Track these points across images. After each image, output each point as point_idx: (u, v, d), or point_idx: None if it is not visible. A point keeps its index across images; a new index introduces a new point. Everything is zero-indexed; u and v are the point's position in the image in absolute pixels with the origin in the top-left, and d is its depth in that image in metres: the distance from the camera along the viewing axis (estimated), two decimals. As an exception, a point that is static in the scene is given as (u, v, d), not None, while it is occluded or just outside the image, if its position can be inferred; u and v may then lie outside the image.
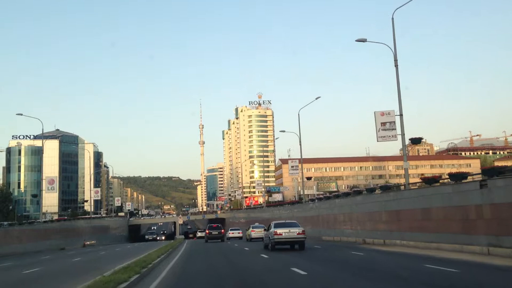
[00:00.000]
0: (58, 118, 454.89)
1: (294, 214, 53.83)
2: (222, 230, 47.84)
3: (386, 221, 28.63)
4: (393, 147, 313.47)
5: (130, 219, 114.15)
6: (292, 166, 50.18)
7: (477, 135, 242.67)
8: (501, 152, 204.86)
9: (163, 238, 79.72)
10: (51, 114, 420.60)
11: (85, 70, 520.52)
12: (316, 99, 48.45)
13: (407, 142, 26.93)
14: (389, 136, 27.12)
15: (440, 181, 23.65)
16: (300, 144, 49.89)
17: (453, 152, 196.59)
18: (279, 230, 25.59)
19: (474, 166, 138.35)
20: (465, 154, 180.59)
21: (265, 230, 31.61)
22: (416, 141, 26.53)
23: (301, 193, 52.15)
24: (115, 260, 21.82)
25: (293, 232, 25.73)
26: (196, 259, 21.67)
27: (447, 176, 22.19)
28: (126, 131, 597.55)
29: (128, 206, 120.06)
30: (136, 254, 25.33)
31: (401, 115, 27.11)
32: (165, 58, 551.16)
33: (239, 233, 50.96)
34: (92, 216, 78.87)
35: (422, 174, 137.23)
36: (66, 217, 77.43)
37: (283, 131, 50.49)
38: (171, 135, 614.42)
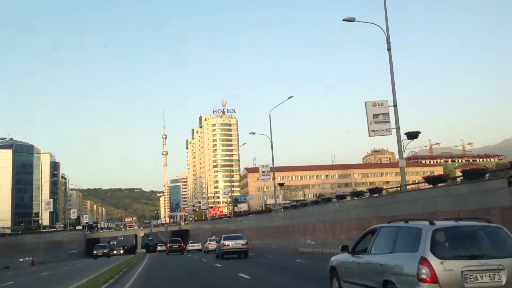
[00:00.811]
0: (12, 126, 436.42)
1: (264, 224, 49.54)
2: (182, 244, 51.87)
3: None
4: (359, 155, 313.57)
5: (88, 232, 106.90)
6: (264, 172, 45.94)
7: (436, 144, 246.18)
8: (460, 160, 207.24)
9: (121, 252, 72.08)
10: (4, 122, 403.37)
11: (43, 77, 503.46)
12: (288, 98, 44.76)
13: (402, 136, 23.00)
14: (382, 130, 23.22)
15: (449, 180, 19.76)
16: (272, 147, 45.79)
17: (414, 160, 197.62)
18: (227, 242, 30.29)
19: (437, 173, 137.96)
20: (425, 162, 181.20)
21: (217, 242, 36.17)
22: (412, 135, 22.71)
23: (274, 200, 47.99)
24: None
25: (238, 243, 30.42)
26: (159, 272, 22.04)
27: (460, 174, 18.27)
28: (85, 141, 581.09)
29: (86, 219, 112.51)
30: (81, 275, 20.33)
31: (395, 105, 23.27)
32: (127, 66, 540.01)
33: (198, 245, 53.26)
34: (43, 230, 71.88)
35: (387, 182, 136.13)
36: (10, 232, 70.08)
37: (253, 133, 46.45)
38: (133, 146, 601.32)
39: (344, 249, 9.24)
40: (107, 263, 31.60)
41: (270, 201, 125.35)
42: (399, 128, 23.01)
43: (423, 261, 6.45)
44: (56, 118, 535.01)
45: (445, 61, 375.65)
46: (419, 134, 22.85)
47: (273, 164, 45.83)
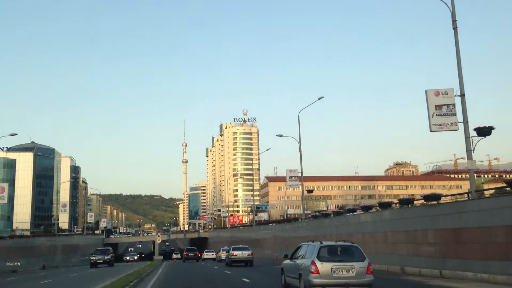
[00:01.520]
0: (34, 130, 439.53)
1: (289, 233, 45.43)
2: (197, 252, 56.47)
3: (435, 244, 20.52)
4: (382, 167, 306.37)
5: (106, 237, 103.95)
6: (291, 177, 41.87)
7: (461, 158, 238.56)
8: (485, 176, 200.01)
9: (135, 258, 66.96)
10: (27, 126, 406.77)
11: (66, 81, 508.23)
12: (319, 99, 40.61)
13: (471, 132, 18.84)
14: (447, 124, 19.11)
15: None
16: (300, 151, 41.75)
17: (438, 174, 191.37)
18: (235, 252, 34.78)
19: (465, 188, 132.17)
20: (449, 176, 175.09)
21: (227, 252, 39.63)
22: (484, 132, 18.53)
23: (302, 209, 43.84)
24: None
25: (245, 254, 34.64)
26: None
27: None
28: (108, 148, 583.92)
29: (104, 223, 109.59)
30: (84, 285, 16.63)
31: (462, 95, 19.18)
32: (148, 73, 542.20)
33: (212, 254, 55.31)
34: (58, 233, 68.82)
35: (412, 195, 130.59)
36: (22, 234, 67.06)
37: (281, 135, 42.50)
38: (153, 153, 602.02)
39: (286, 257, 15.81)
40: (118, 272, 27.90)
41: (291, 211, 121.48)
42: (467, 122, 18.90)
43: (313, 262, 12.94)
44: (78, 125, 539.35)
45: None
46: (492, 130, 18.64)
47: (301, 169, 41.87)
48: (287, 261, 15.44)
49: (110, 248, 49.45)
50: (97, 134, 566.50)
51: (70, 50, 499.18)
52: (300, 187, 42.84)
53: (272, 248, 50.61)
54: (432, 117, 19.03)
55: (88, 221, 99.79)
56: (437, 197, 21.14)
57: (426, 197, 21.65)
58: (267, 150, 64.55)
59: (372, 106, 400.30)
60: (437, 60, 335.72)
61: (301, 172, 42.08)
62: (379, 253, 26.10)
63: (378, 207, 28.68)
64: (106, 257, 45.77)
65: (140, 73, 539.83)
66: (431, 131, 19.09)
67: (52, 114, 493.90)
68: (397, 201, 25.98)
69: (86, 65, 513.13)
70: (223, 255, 44.36)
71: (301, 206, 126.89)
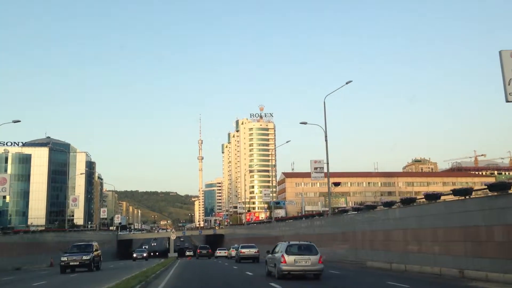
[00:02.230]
0: (50, 126, 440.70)
1: (315, 230, 41.70)
2: (210, 250, 62.18)
3: (503, 242, 16.66)
4: (400, 164, 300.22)
5: (120, 233, 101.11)
6: (316, 168, 38.07)
7: (482, 155, 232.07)
8: (506, 173, 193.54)
9: (144, 255, 61.88)
10: (42, 120, 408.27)
11: (84, 81, 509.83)
12: (347, 83, 36.79)
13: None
14: (527, 92, 15.14)
15: None
16: (326, 140, 37.99)
17: (457, 171, 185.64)
18: (243, 250, 39.17)
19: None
20: (474, 173, 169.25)
21: (236, 250, 44.60)
22: None
23: (328, 201, 40.05)
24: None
25: (252, 251, 38.72)
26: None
27: None
28: (124, 146, 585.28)
29: (118, 219, 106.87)
30: None
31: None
32: (165, 71, 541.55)
33: (225, 252, 57.48)
34: (69, 229, 65.80)
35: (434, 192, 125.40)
36: (28, 228, 63.94)
37: (305, 123, 38.52)
38: (169, 150, 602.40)
39: (268, 252, 21.81)
40: (119, 274, 24.34)
41: (309, 208, 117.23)
42: (553, 89, 14.97)
43: (282, 255, 18.75)
44: (95, 122, 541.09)
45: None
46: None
47: (327, 160, 38.05)
48: (269, 255, 21.25)
49: (93, 243, 31.62)
50: (114, 132, 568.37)
51: (87, 47, 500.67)
52: (326, 179, 38.94)
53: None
54: (509, 84, 15.11)
55: (102, 217, 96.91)
56: (506, 186, 17.22)
57: (492, 186, 17.74)
58: (286, 142, 61.19)
59: (391, 102, 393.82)
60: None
61: (327, 163, 38.32)
62: (425, 252, 22.25)
63: (400, 204, 25.64)
64: (85, 257, 29.42)
65: (156, 70, 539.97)
66: (507, 101, 15.17)
67: (68, 111, 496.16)
68: (422, 197, 22.31)
69: (103, 62, 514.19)
70: (233, 252, 48.24)
71: (318, 203, 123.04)
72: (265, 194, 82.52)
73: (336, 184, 38.56)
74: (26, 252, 43.27)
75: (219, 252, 58.61)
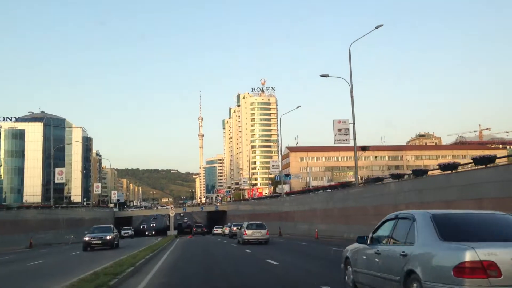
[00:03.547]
0: (47, 105, 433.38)
1: (336, 204, 35.16)
2: (204, 228, 69.70)
3: None
4: (404, 139, 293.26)
5: (117, 210, 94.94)
6: (340, 130, 31.19)
7: (487, 129, 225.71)
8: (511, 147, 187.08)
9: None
10: (39, 99, 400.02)
11: (82, 59, 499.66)
12: (376, 28, 29.93)
13: None
14: None
15: None
16: (352, 95, 31.17)
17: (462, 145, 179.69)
18: (234, 228, 40.72)
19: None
20: (486, 145, 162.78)
21: (228, 228, 49.34)
22: None
23: (355, 170, 33.34)
24: None
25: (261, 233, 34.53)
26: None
27: None
28: (125, 124, 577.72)
29: (114, 196, 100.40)
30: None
31: None
32: (163, 47, 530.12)
33: (221, 230, 59.60)
34: (54, 205, 59.27)
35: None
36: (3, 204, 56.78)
37: (326, 75, 31.43)
38: (170, 128, 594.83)
39: (237, 228, 37.57)
40: (105, 256, 17.92)
41: (314, 183, 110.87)
42: None
43: (244, 231, 30.45)
44: (94, 100, 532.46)
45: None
46: None
47: (353, 118, 31.20)
48: (237, 231, 32.97)
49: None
50: (114, 110, 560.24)
51: (85, 24, 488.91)
52: (351, 143, 32.10)
53: (310, 222, 40.45)
54: None
55: (96, 192, 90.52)
56: None
57: None
58: (297, 107, 53.87)
59: (393, 76, 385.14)
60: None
61: (353, 124, 31.47)
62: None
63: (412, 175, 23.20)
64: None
65: (155, 47, 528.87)
66: None
67: (66, 88, 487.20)
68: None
69: (101, 39, 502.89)
70: (227, 230, 50.82)
71: (324, 178, 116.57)
72: (273, 166, 75.95)
73: (364, 149, 30.96)
74: (7, 232, 36.78)
75: (216, 230, 62.35)
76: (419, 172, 23.29)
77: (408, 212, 6.47)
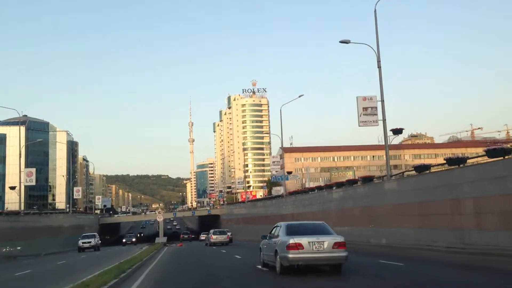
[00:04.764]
0: (33, 110, 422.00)
1: (357, 202, 28.43)
2: (191, 235, 73.37)
3: None
4: (397, 139, 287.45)
5: (101, 217, 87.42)
6: (366, 109, 24.48)
7: (479, 128, 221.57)
8: (504, 146, 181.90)
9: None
10: (22, 103, 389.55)
11: (67, 61, 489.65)
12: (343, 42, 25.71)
13: None
14: None
15: None
16: (379, 66, 24.54)
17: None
18: (214, 236, 40.43)
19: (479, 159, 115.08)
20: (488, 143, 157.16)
21: (207, 234, 46.82)
22: None
23: (386, 160, 26.70)
24: None
25: (223, 236, 40.64)
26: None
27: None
28: (114, 129, 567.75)
29: (99, 201, 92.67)
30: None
31: None
32: (153, 51, 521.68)
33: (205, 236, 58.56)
34: (23, 211, 51.81)
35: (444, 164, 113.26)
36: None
37: (347, 42, 24.59)
38: (160, 133, 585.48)
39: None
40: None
41: (311, 184, 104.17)
42: None
43: (211, 236, 40.76)
44: (82, 106, 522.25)
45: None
46: None
47: (381, 95, 24.57)
48: (205, 236, 46.02)
49: (95, 234, 35.29)
50: (104, 116, 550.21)
51: (73, 26, 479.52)
52: (381, 124, 25.32)
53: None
54: None
55: (76, 197, 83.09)
56: None
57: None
58: (299, 96, 47.19)
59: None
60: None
61: (382, 101, 24.78)
62: None
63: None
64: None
65: (144, 50, 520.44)
66: None
67: (53, 94, 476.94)
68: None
69: (88, 40, 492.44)
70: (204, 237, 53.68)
71: (320, 179, 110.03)
72: (273, 162, 69.12)
73: (396, 132, 24.02)
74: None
75: (203, 236, 59.74)
76: (496, 153, 16.83)
77: (279, 223, 13.57)
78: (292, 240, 11.65)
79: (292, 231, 12.33)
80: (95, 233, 48.72)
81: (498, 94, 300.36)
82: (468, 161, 19.09)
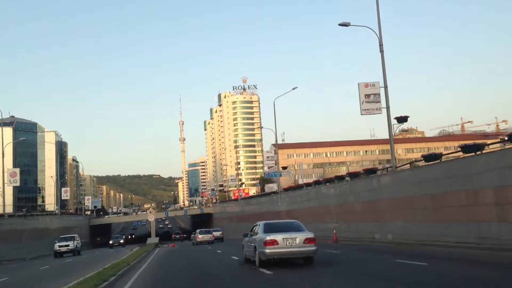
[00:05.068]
0: (21, 111, 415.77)
1: (360, 196, 26.71)
2: (182, 235, 73.31)
3: None
4: (400, 128, 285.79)
5: (91, 218, 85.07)
6: (368, 96, 22.49)
7: (469, 122, 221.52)
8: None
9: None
10: (9, 104, 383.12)
11: (55, 62, 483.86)
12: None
13: None
14: None
15: None
16: (382, 49, 22.83)
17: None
18: (200, 235, 42.19)
19: (492, 147, 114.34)
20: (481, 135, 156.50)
21: (194, 234, 47.22)
22: None
23: (390, 147, 25.02)
24: None
25: (208, 236, 42.58)
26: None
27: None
28: (105, 130, 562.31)
29: (88, 202, 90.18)
30: None
31: None
32: (142, 50, 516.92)
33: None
34: (4, 213, 49.55)
35: (411, 163, 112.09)
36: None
37: (346, 24, 22.76)
38: (151, 133, 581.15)
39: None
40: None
41: (305, 180, 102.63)
42: None
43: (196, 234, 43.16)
44: (73, 107, 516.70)
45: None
46: None
47: (385, 81, 22.88)
48: (193, 235, 45.67)
49: (75, 235, 32.97)
50: (94, 117, 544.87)
51: (61, 24, 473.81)
52: (384, 111, 23.60)
53: (321, 222, 31.98)
54: None
55: (64, 198, 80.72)
56: None
57: None
58: (293, 89, 45.47)
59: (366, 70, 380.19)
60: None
61: (385, 87, 23.07)
62: None
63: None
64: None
65: (133, 49, 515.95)
66: None
67: (40, 93, 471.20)
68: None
69: (76, 40, 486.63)
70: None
71: (313, 175, 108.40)
72: (267, 157, 67.42)
73: (401, 120, 22.34)
74: None
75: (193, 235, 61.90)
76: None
77: (258, 222, 14.99)
78: (269, 237, 13.16)
79: (269, 229, 13.86)
80: (75, 235, 42.35)
81: (488, 88, 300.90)
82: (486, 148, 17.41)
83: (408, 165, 24.00)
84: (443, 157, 19.97)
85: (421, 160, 20.91)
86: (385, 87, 22.92)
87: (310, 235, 13.43)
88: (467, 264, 12.67)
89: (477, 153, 17.10)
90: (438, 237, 18.13)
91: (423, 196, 19.67)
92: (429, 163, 19.79)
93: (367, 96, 22.92)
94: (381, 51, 22.85)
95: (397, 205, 21.84)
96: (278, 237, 12.98)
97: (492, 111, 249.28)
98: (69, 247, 39.09)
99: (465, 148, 17.38)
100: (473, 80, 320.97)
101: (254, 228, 14.91)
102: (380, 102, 23.08)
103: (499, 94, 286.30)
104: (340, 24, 23.11)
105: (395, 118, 23.31)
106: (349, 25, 23.26)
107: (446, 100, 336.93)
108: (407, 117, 23.20)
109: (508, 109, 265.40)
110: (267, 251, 12.98)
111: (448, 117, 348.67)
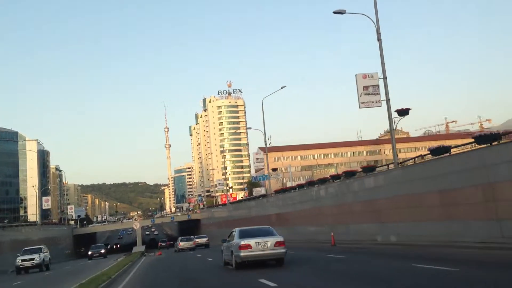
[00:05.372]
0: (1, 117, 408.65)
1: (359, 196, 25.07)
2: (168, 242, 72.02)
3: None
4: (373, 136, 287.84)
5: (75, 228, 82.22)
6: (367, 88, 20.84)
7: (453, 121, 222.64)
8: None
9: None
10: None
11: (36, 68, 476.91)
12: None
13: None
14: None
15: None
16: (380, 38, 21.25)
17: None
18: (181, 243, 44.44)
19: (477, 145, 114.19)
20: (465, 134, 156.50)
21: (176, 242, 48.75)
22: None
23: (391, 140, 23.36)
24: None
25: (189, 243, 44.59)
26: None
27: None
28: (89, 138, 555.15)
29: (71, 211, 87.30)
30: None
31: None
32: (124, 56, 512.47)
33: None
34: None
35: (423, 157, 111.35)
36: None
37: (341, 12, 20.94)
38: (136, 140, 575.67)
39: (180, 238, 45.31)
40: None
41: (294, 183, 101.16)
42: None
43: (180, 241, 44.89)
44: (55, 115, 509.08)
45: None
46: None
47: (383, 71, 21.34)
48: (174, 243, 48.09)
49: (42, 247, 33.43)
50: (77, 125, 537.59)
51: (42, 29, 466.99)
52: (384, 104, 22.01)
53: (315, 225, 30.27)
54: None
55: (45, 207, 77.86)
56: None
57: None
58: (281, 88, 43.89)
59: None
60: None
61: (384, 78, 21.50)
62: None
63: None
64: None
65: (116, 55, 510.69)
66: None
67: (21, 102, 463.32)
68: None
69: (57, 46, 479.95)
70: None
71: (301, 178, 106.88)
72: (256, 159, 65.69)
73: (402, 113, 20.76)
74: None
75: (181, 243, 60.42)
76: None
77: (234, 229, 16.11)
78: (243, 242, 14.50)
79: (243, 234, 15.20)
80: (42, 246, 35.39)
81: (470, 87, 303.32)
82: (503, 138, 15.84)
83: (412, 160, 22.30)
84: (453, 149, 18.35)
85: (427, 154, 19.31)
86: (384, 78, 21.35)
87: (280, 238, 14.70)
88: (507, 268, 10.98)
89: (493, 143, 15.51)
90: (454, 237, 16.49)
91: (430, 193, 18.06)
92: (436, 157, 18.19)
93: (366, 88, 21.31)
94: (379, 39, 21.29)
95: (403, 203, 20.21)
96: (252, 241, 14.30)
97: (476, 110, 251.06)
98: (34, 261, 32.44)
99: (479, 139, 15.81)
100: (457, 79, 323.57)
101: (231, 234, 16.12)
102: (379, 94, 21.47)
103: (479, 94, 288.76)
104: (335, 12, 21.54)
105: (395, 111, 21.70)
106: (345, 12, 21.66)
107: (429, 101, 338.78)
108: (409, 109, 21.60)
109: (488, 107, 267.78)
110: (242, 254, 14.27)
111: (432, 117, 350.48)
